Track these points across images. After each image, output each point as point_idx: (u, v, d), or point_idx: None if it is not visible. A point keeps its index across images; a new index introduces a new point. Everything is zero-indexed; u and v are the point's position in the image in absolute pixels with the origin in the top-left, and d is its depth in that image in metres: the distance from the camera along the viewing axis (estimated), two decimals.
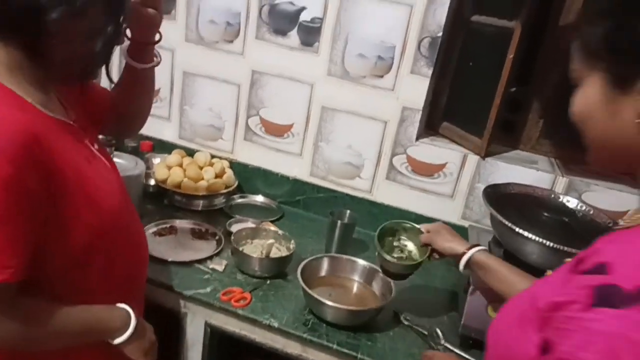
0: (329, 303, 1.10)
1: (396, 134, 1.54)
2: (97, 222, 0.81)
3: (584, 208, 1.25)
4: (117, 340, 0.85)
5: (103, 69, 0.86)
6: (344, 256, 1.32)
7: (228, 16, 1.60)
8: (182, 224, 1.47)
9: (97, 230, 0.81)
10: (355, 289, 1.27)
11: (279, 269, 1.29)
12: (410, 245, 1.18)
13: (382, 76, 1.50)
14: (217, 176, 1.62)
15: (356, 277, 1.28)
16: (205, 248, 1.37)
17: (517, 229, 1.12)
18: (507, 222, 1.14)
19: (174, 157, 1.63)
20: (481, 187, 1.50)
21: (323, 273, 1.28)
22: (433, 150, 1.53)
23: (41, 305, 0.76)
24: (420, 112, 1.49)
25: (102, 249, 0.84)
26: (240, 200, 1.71)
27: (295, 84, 1.59)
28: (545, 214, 1.25)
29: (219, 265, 1.29)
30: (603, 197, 1.37)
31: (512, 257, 1.21)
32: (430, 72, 1.45)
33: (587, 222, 1.22)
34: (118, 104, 1.05)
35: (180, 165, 1.62)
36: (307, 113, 1.61)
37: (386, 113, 1.53)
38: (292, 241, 1.34)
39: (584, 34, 0.59)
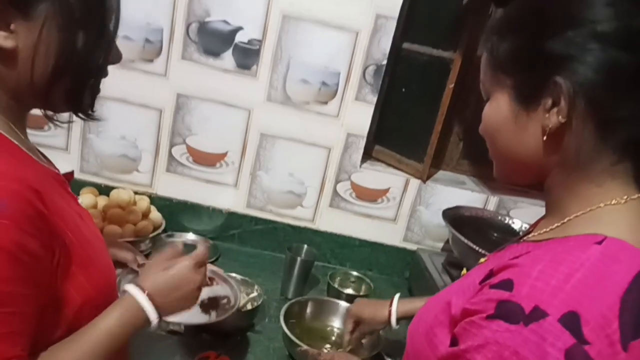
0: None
1: (340, 161, 1.51)
2: (95, 292, 0.65)
3: (525, 228, 1.38)
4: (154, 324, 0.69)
5: None
6: (324, 298, 1.25)
7: (147, 32, 1.39)
8: None
9: (92, 300, 0.65)
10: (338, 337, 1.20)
11: (248, 321, 1.16)
12: None
13: (326, 102, 1.45)
14: (143, 216, 1.40)
15: (337, 324, 1.22)
16: None
17: (481, 250, 1.18)
18: (472, 245, 1.20)
19: (86, 197, 1.36)
20: (422, 209, 1.56)
21: (303, 320, 1.18)
22: (377, 176, 1.54)
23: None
24: (365, 139, 1.49)
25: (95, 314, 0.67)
26: (168, 241, 1.50)
27: (229, 109, 1.46)
28: (495, 234, 1.34)
29: (176, 325, 1.11)
30: (529, 212, 1.53)
31: None
32: (374, 99, 1.45)
33: None
34: None
35: (95, 207, 1.36)
36: (243, 140, 1.49)
37: (330, 139, 1.49)
38: (257, 287, 1.22)
39: (492, 48, 0.59)
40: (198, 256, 0.78)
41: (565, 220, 0.55)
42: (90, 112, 0.66)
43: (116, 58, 0.67)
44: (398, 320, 1.01)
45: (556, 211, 0.58)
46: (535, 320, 0.45)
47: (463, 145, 1.72)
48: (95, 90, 0.65)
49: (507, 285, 0.49)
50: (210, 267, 1.17)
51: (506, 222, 1.40)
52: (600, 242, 0.50)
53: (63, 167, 1.57)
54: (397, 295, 1.03)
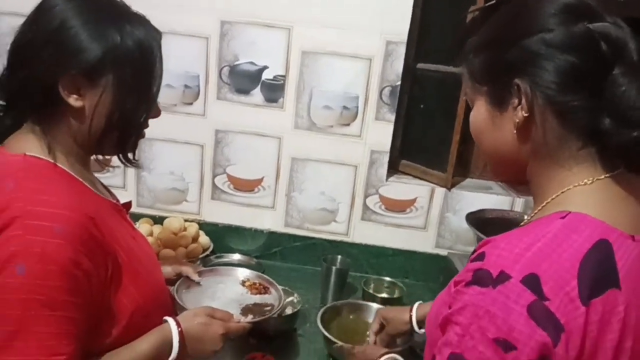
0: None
1: (367, 176, 1.63)
2: (143, 300, 0.80)
3: None
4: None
5: None
6: (358, 301, 1.37)
7: (186, 79, 1.59)
8: None
9: (141, 309, 0.79)
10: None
11: (290, 325, 1.28)
12: None
13: (348, 124, 1.59)
14: (193, 240, 1.57)
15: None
16: None
17: None
18: None
19: (143, 227, 1.55)
20: (450, 216, 1.64)
21: (340, 321, 1.29)
22: (403, 188, 1.64)
23: None
24: (388, 154, 1.60)
25: (145, 328, 0.81)
26: (217, 262, 1.66)
27: (262, 139, 1.62)
28: None
29: None
30: None
31: None
32: (393, 117, 1.57)
33: None
34: None
35: (151, 235, 1.54)
36: (277, 166, 1.64)
37: (356, 158, 1.61)
38: (295, 294, 1.34)
39: (469, 64, 0.68)
40: (230, 329, 0.91)
41: (545, 203, 0.64)
42: (132, 158, 0.84)
43: (156, 114, 0.84)
44: (419, 323, 1.09)
45: (538, 198, 0.67)
46: (501, 283, 0.54)
47: None
48: (138, 138, 0.81)
49: (481, 256, 0.58)
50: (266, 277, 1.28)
51: None
52: (564, 217, 0.58)
53: (122, 200, 1.77)
54: (418, 302, 1.12)
